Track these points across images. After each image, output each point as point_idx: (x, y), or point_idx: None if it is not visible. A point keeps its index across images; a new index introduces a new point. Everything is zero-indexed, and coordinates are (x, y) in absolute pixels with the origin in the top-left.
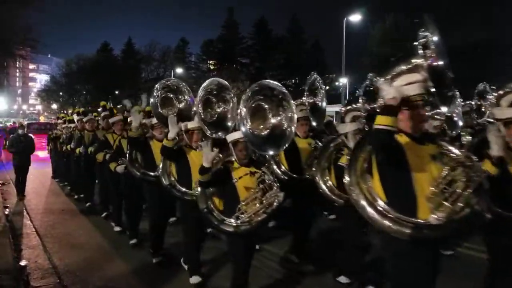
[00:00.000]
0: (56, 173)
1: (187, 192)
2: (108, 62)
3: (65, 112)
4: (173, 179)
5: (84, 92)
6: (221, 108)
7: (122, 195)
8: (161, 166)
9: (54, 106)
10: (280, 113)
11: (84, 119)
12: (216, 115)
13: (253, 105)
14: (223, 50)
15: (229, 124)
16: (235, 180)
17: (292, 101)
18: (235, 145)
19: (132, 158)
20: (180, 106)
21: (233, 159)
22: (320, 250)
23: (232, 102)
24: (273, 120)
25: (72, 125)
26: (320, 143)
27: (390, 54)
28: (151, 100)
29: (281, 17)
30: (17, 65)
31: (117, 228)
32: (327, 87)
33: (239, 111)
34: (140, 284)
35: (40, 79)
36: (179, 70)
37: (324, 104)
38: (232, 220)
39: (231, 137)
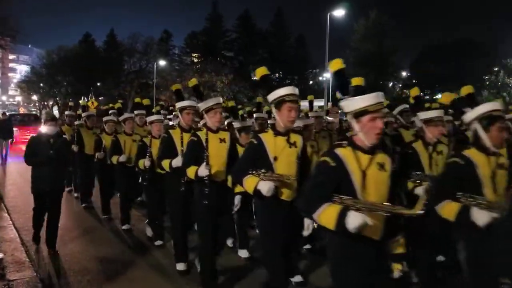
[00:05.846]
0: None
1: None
2: (90, 54)
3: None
4: None
5: (65, 84)
6: None
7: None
8: None
9: (34, 97)
10: None
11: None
12: None
13: None
14: (207, 43)
15: None
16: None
17: None
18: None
19: None
20: None
21: None
22: None
23: None
24: None
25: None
26: None
27: (372, 50)
28: None
29: (265, 11)
30: None
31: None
32: (311, 82)
33: None
34: (118, 276)
35: (20, 70)
36: (162, 63)
37: None
38: None
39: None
